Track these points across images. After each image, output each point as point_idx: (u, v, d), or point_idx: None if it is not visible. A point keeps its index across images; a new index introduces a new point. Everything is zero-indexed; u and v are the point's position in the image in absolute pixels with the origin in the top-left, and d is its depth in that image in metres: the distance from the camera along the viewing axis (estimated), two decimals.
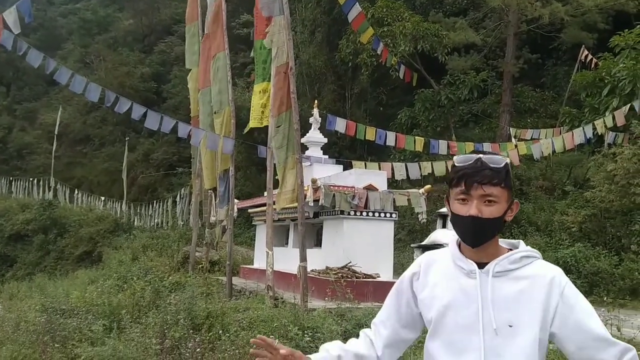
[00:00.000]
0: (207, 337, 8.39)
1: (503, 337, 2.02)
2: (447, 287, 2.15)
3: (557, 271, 2.10)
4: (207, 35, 15.88)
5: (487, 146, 17.17)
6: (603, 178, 16.28)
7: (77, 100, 51.02)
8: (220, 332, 7.91)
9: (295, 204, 11.42)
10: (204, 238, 19.57)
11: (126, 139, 41.43)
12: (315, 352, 2.30)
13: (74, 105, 51.78)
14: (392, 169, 15.31)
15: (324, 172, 14.34)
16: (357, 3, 16.62)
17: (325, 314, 7.92)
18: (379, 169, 15.28)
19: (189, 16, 18.76)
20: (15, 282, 28.48)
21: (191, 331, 8.47)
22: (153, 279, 14.00)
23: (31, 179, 46.35)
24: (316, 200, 12.39)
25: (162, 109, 38.31)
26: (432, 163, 15.48)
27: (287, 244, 15.86)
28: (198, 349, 6.99)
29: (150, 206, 37.09)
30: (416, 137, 17.21)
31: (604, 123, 17.10)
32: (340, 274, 11.77)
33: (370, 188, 12.50)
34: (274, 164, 12.14)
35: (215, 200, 16.38)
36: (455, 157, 2.24)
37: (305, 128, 12.20)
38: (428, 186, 13.62)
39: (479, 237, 2.10)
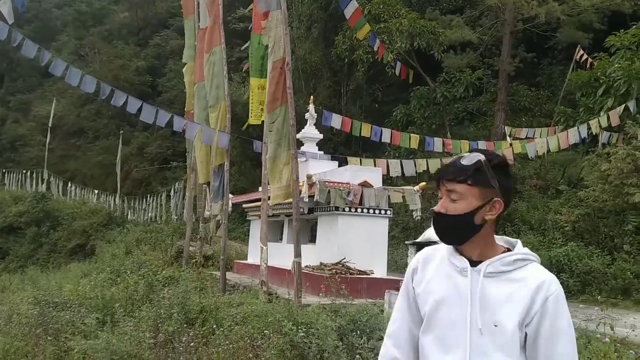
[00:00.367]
0: (201, 332, 8.40)
1: (488, 337, 2.04)
2: (441, 283, 2.17)
3: (548, 277, 2.08)
4: (203, 30, 15.83)
5: (482, 144, 17.21)
6: (597, 178, 16.33)
7: (71, 93, 50.84)
8: (215, 326, 7.88)
9: (290, 200, 11.41)
10: (198, 232, 19.56)
11: (120, 132, 41.33)
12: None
13: (68, 97, 51.60)
14: (387, 166, 15.32)
15: (319, 168, 14.34)
16: None
17: (319, 310, 7.92)
18: (374, 165, 15.29)
19: (185, 10, 18.72)
20: (7, 274, 28.40)
21: (185, 325, 8.46)
22: (147, 272, 13.95)
23: (24, 171, 46.15)
24: (311, 196, 12.40)
25: (157, 102, 38.17)
26: (427, 160, 15.49)
27: (281, 239, 15.86)
28: (192, 343, 6.98)
29: (144, 200, 37.03)
30: (411, 135, 17.21)
31: (599, 123, 17.15)
32: (334, 270, 11.78)
33: (365, 185, 12.50)
34: (269, 159, 12.11)
35: (210, 195, 16.35)
36: None
37: (300, 124, 12.18)
38: (423, 183, 13.62)
39: (445, 234, 2.16)
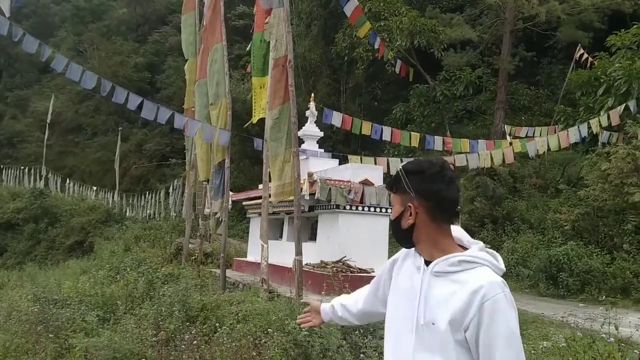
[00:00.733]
0: (202, 330, 8.38)
1: (427, 334, 2.13)
2: (404, 279, 2.32)
3: (488, 281, 2.07)
4: (205, 27, 15.80)
5: (482, 143, 17.20)
6: (597, 177, 16.34)
7: (69, 89, 50.76)
8: (217, 324, 7.86)
9: (291, 198, 11.39)
10: (197, 230, 19.53)
11: (119, 128, 41.24)
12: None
13: (67, 93, 51.49)
14: (388, 164, 15.32)
15: (320, 165, 14.31)
16: None
17: None
18: (375, 163, 15.29)
19: (185, 6, 18.67)
20: (5, 271, 28.38)
21: (187, 323, 8.45)
22: (147, 270, 13.92)
23: (22, 168, 46.09)
24: (312, 194, 12.38)
25: (156, 99, 38.06)
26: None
27: (281, 237, 15.84)
28: (195, 341, 6.97)
29: (143, 197, 37.00)
30: (412, 133, 17.20)
31: (599, 122, 17.16)
32: (335, 268, 11.76)
33: (366, 183, 12.48)
34: (270, 157, 12.08)
35: (210, 192, 16.31)
36: None
37: (300, 121, 12.11)
38: None
39: (395, 238, 2.37)
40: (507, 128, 22.28)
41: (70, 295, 13.11)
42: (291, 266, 12.96)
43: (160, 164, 41.98)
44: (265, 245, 11.65)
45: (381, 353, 2.60)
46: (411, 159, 2.68)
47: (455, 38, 25.98)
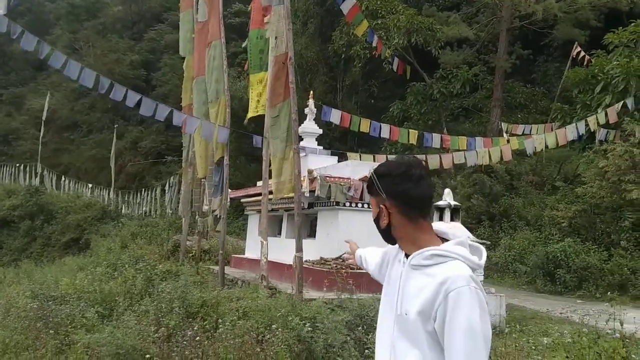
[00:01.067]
0: (203, 326, 8.37)
1: (402, 324, 2.21)
2: (392, 270, 2.40)
3: (455, 274, 2.09)
4: (202, 24, 15.77)
5: (479, 140, 17.19)
6: (594, 174, 16.41)
7: (65, 87, 50.57)
8: (220, 321, 7.86)
9: (291, 194, 11.39)
10: (194, 227, 19.52)
11: (115, 126, 41.09)
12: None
13: (62, 91, 51.31)
14: None
15: (319, 163, 14.32)
16: None
17: (324, 305, 7.91)
18: (374, 161, 15.28)
19: (183, 3, 18.62)
20: (1, 268, 28.27)
21: (190, 320, 8.45)
22: (145, 267, 13.90)
23: (17, 165, 45.88)
24: (312, 191, 12.37)
25: (152, 96, 37.60)
26: (426, 156, 15.48)
27: (279, 234, 15.84)
28: (197, 337, 6.96)
29: (139, 194, 36.91)
30: (410, 130, 17.20)
31: (597, 120, 17.20)
32: (335, 265, 11.77)
33: (366, 180, 12.46)
34: (270, 154, 12.09)
35: (208, 190, 16.28)
36: None
37: (298, 119, 12.09)
38: None
39: (380, 234, 2.38)
40: (504, 126, 22.32)
41: (68, 291, 13.07)
42: (290, 263, 12.99)
43: (156, 162, 41.89)
44: (265, 242, 11.65)
45: None
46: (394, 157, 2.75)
47: (452, 36, 26.03)
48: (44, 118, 43.75)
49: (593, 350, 5.19)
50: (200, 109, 15.50)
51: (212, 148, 15.46)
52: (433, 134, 17.45)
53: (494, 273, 17.11)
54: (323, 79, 34.16)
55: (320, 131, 15.94)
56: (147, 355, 6.56)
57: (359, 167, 13.15)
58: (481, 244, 2.42)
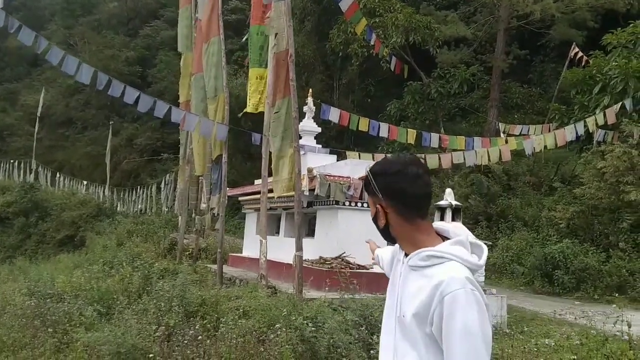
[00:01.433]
0: (203, 325, 8.31)
1: (402, 325, 2.16)
2: (395, 270, 2.36)
3: (450, 276, 2.04)
4: (202, 20, 15.67)
5: (477, 141, 17.16)
6: (592, 175, 16.40)
7: (59, 83, 50.33)
8: (222, 320, 7.79)
9: (290, 193, 11.33)
10: (190, 225, 19.44)
11: (110, 123, 40.90)
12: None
13: (57, 87, 51.05)
14: None
15: (318, 161, 14.22)
16: None
17: (326, 304, 7.86)
18: (373, 159, 15.21)
19: None
20: None
21: (191, 319, 8.39)
22: (142, 264, 13.82)
23: (12, 161, 45.63)
24: (311, 190, 12.30)
25: (148, 93, 37.46)
26: (425, 155, 15.43)
27: (278, 233, 15.76)
28: (200, 337, 6.89)
29: (134, 192, 36.77)
30: (408, 129, 17.15)
31: (596, 121, 17.19)
32: (334, 264, 11.72)
33: (364, 179, 12.40)
34: (269, 152, 12.02)
35: (206, 187, 16.21)
36: None
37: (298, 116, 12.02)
38: None
39: (380, 233, 2.32)
40: (501, 126, 22.30)
41: (65, 289, 12.99)
42: (289, 262, 12.92)
43: (151, 159, 41.72)
44: (264, 240, 11.57)
45: None
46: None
47: (450, 35, 26.01)
48: (38, 114, 43.57)
49: (600, 353, 5.15)
50: (198, 105, 15.41)
51: (209, 145, 15.40)
52: (431, 133, 17.41)
53: (492, 274, 17.08)
54: (319, 78, 34.08)
55: (319, 129, 15.87)
56: (150, 355, 6.49)
57: (358, 166, 13.10)
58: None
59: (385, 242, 2.48)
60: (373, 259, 3.22)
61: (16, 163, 44.74)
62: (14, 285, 16.44)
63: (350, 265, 11.82)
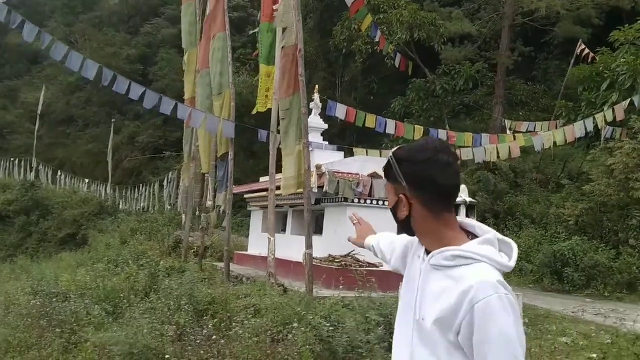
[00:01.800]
0: (214, 324, 8.16)
1: (421, 329, 1.96)
2: (411, 266, 2.15)
3: (479, 282, 1.84)
4: (207, 16, 15.52)
5: (485, 137, 17.02)
6: (601, 172, 16.26)
7: (60, 80, 50.17)
8: (235, 318, 7.64)
9: (298, 190, 11.18)
10: (194, 223, 19.27)
11: (112, 120, 40.73)
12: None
13: (57, 84, 50.89)
14: None
15: (325, 158, 14.07)
16: None
17: (341, 303, 7.71)
18: (380, 156, 15.09)
19: None
20: None
21: (201, 317, 8.24)
22: (149, 262, 13.67)
23: (12, 159, 45.44)
24: (320, 187, 12.15)
25: None
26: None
27: (284, 230, 15.61)
28: (214, 336, 6.73)
29: (136, 189, 36.63)
30: (415, 126, 17.00)
31: (604, 117, 17.04)
32: (343, 262, 11.58)
33: (374, 175, 12.26)
34: (277, 149, 11.88)
35: (211, 185, 16.05)
36: None
37: (307, 112, 11.88)
38: None
39: (397, 224, 2.14)
40: (507, 123, 22.15)
41: (69, 288, 12.84)
42: (295, 260, 12.79)
43: (153, 157, 41.58)
44: (272, 238, 11.41)
45: None
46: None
47: (455, 32, 25.88)
48: (39, 112, 43.34)
49: (631, 351, 5.00)
50: (204, 102, 15.24)
51: (214, 143, 15.24)
52: (438, 130, 17.27)
53: None
54: (322, 75, 33.92)
55: (326, 126, 15.74)
56: (167, 356, 6.33)
57: (366, 163, 12.94)
58: None
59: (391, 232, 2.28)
60: (353, 241, 3.01)
61: (16, 161, 44.54)
62: (16, 284, 16.29)
63: (360, 263, 11.68)
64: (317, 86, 16.13)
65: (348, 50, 28.61)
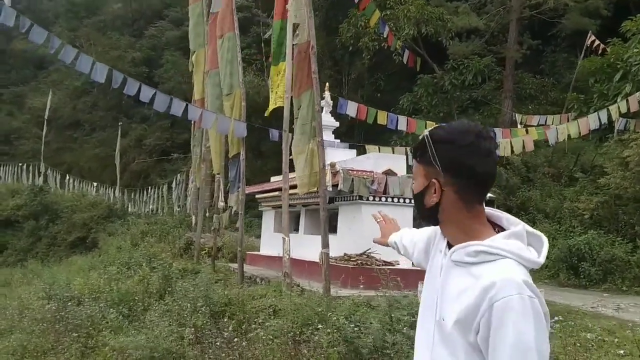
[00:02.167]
0: (234, 326, 8.05)
1: (442, 329, 1.84)
2: (433, 261, 2.03)
3: (502, 280, 1.70)
4: (215, 15, 15.41)
5: (497, 132, 16.86)
6: (617, 164, 16.06)
7: (66, 85, 50.20)
8: (255, 320, 7.53)
9: (312, 189, 11.08)
10: (205, 224, 19.20)
11: (119, 123, 40.72)
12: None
13: (64, 89, 50.95)
14: (407, 155, 14.97)
15: (338, 156, 13.96)
16: None
17: (364, 303, 7.60)
18: (393, 153, 14.99)
19: None
20: (6, 268, 28.06)
21: (218, 319, 8.14)
22: (162, 265, 13.59)
23: (20, 164, 45.49)
24: (334, 185, 12.02)
25: None
26: None
27: (297, 230, 15.50)
28: (236, 339, 6.62)
29: (145, 192, 36.63)
30: (427, 122, 16.85)
31: (618, 109, 16.84)
32: (359, 261, 11.46)
33: (389, 173, 12.15)
34: (289, 148, 11.76)
35: (222, 186, 15.96)
36: None
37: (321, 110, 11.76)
38: None
39: (418, 213, 2.02)
40: (518, 117, 21.97)
41: (83, 292, 12.79)
42: (310, 259, 12.69)
43: (161, 159, 41.55)
44: (287, 238, 11.28)
45: None
46: None
47: (462, 26, 25.74)
48: (46, 117, 43.36)
49: None
50: (214, 102, 15.13)
51: (224, 143, 15.15)
52: None
53: None
54: (328, 73, 33.75)
55: (337, 124, 15.62)
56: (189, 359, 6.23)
57: (380, 160, 12.82)
58: None
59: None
60: (376, 241, 2.91)
61: (25, 166, 44.53)
62: (29, 288, 16.29)
63: (377, 262, 11.56)
64: (327, 84, 15.98)
65: (355, 47, 28.46)
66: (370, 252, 11.84)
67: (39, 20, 58.00)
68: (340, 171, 11.76)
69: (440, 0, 27.37)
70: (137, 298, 11.38)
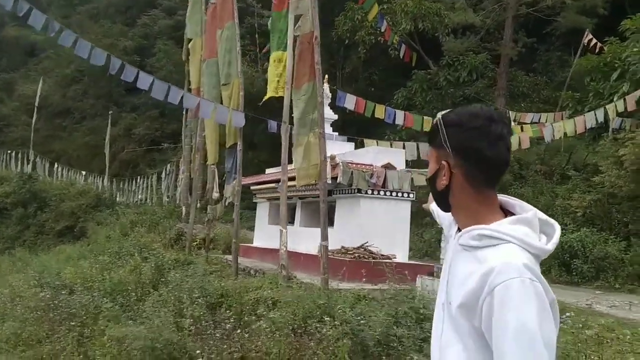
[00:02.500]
0: (230, 316, 7.98)
1: (449, 314, 1.85)
2: (448, 243, 2.05)
3: (502, 264, 1.67)
4: (213, 4, 15.26)
5: None
6: (612, 163, 16.09)
7: (57, 72, 49.79)
8: (255, 312, 7.45)
9: (313, 181, 10.99)
10: (198, 215, 19.07)
11: (109, 112, 40.41)
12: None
13: (54, 77, 50.51)
14: (404, 149, 14.94)
15: (336, 149, 13.87)
16: None
17: (362, 295, 7.54)
18: (391, 147, 14.93)
19: None
20: None
21: (215, 310, 8.05)
22: (154, 255, 13.48)
23: (9, 152, 45.09)
24: (334, 178, 11.95)
25: None
26: None
27: (292, 222, 15.42)
28: (238, 331, 6.54)
29: (134, 182, 36.38)
30: (424, 117, 16.81)
31: (615, 108, 16.86)
32: (356, 254, 11.41)
33: (388, 166, 12.09)
34: (289, 139, 11.67)
35: (216, 177, 15.82)
36: None
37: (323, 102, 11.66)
38: None
39: (433, 197, 2.03)
40: (512, 114, 21.97)
41: (74, 281, 12.67)
42: (305, 252, 12.64)
43: (150, 149, 41.32)
44: (284, 230, 11.19)
45: None
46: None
47: (458, 22, 25.72)
48: (36, 104, 42.93)
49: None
50: (210, 92, 14.99)
51: (220, 133, 15.03)
52: None
53: None
54: (323, 67, 33.56)
55: (336, 117, 15.54)
56: (197, 351, 6.14)
57: (379, 154, 12.77)
58: None
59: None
60: (424, 207, 2.79)
61: (13, 153, 44.16)
62: (18, 276, 16.11)
63: (374, 255, 11.51)
64: (327, 76, 15.89)
65: (351, 41, 28.36)
66: (367, 246, 11.79)
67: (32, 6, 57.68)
68: (340, 164, 11.69)
69: None
70: (129, 288, 11.25)
